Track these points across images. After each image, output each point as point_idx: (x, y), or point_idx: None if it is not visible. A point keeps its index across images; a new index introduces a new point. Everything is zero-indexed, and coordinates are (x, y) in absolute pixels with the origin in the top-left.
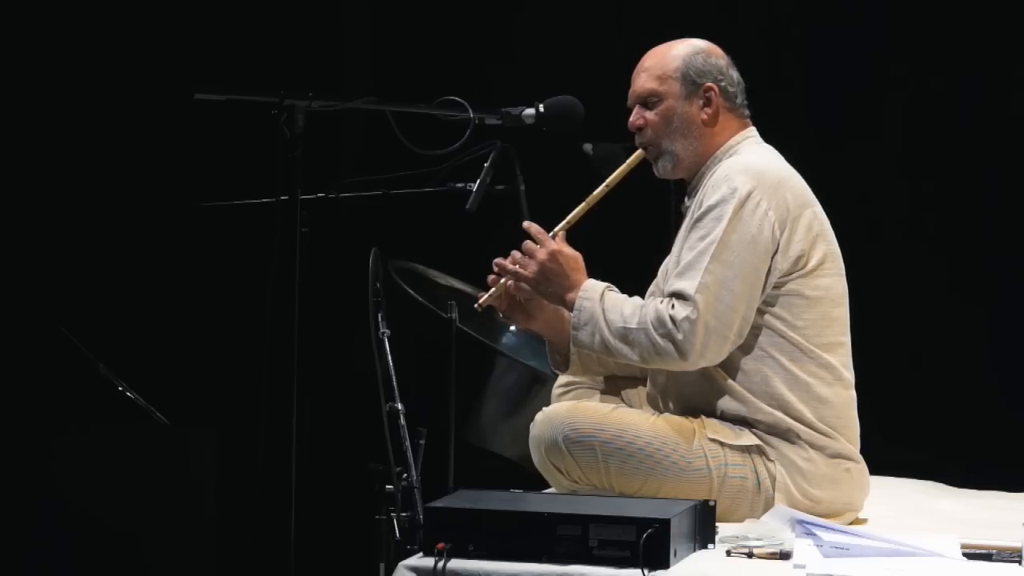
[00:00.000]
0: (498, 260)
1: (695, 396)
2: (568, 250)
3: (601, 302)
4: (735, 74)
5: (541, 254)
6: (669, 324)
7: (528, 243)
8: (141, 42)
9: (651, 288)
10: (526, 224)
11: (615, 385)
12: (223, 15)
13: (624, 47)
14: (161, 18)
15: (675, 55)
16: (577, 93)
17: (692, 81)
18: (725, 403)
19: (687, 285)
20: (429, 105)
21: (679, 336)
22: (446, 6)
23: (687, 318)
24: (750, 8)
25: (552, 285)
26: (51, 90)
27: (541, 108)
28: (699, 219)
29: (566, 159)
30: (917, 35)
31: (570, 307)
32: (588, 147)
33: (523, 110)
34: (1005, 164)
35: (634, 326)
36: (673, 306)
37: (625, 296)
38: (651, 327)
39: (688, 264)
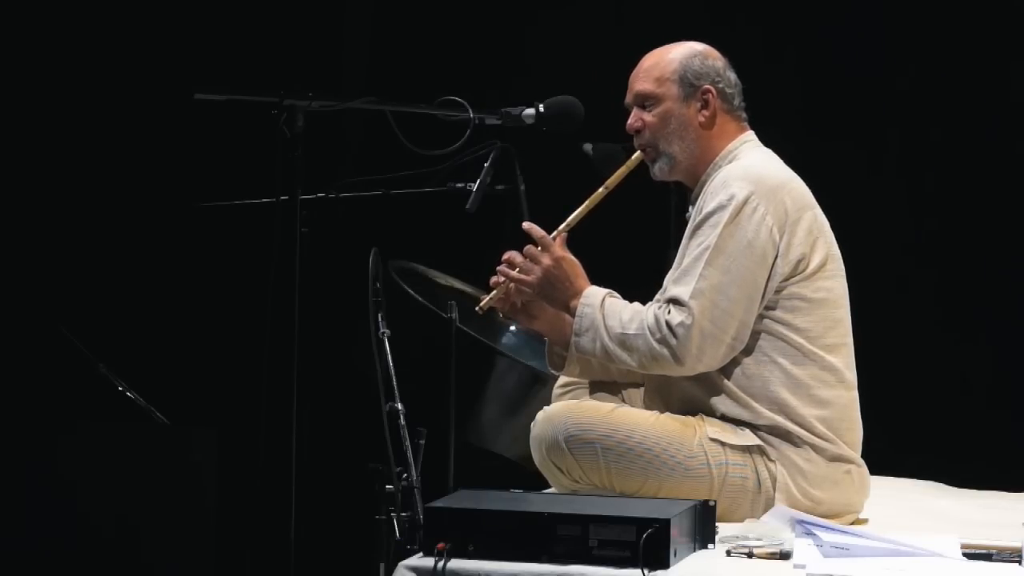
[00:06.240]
0: (502, 268)
1: (695, 400)
2: (570, 256)
3: (602, 308)
4: (732, 76)
5: (546, 260)
6: (665, 330)
7: (530, 248)
8: (141, 42)
9: (656, 296)
10: (527, 226)
11: (616, 386)
12: (223, 15)
13: (624, 47)
14: (161, 18)
15: (672, 57)
16: (577, 93)
17: (689, 83)
18: (725, 407)
19: (683, 291)
20: (429, 105)
21: (674, 341)
22: (446, 6)
23: (682, 323)
24: (748, 9)
25: (556, 291)
26: (52, 90)
27: (541, 108)
28: (698, 226)
29: (566, 159)
30: (918, 36)
31: (572, 313)
32: (588, 147)
33: (523, 110)
34: (1005, 164)
35: (632, 332)
36: (669, 312)
37: (625, 302)
38: (648, 333)
39: (684, 270)
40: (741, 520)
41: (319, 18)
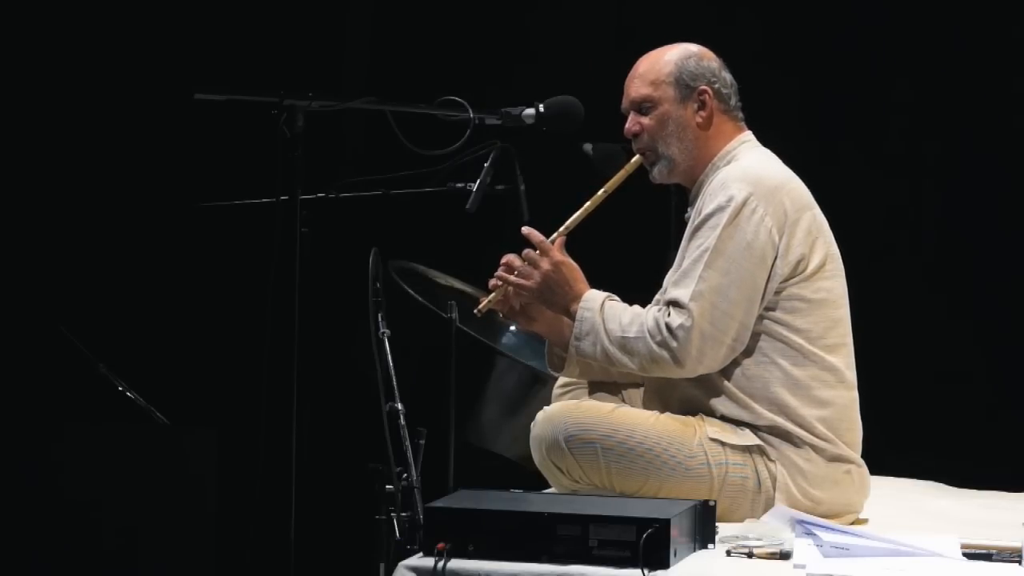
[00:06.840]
0: (500, 272)
1: (694, 401)
2: (569, 260)
3: (601, 312)
4: (728, 76)
5: (545, 264)
6: (664, 332)
7: (529, 252)
8: (141, 42)
9: (656, 297)
10: (526, 230)
11: (616, 386)
12: (223, 15)
13: (624, 47)
14: (161, 18)
15: (668, 60)
16: (577, 93)
17: (686, 85)
18: (725, 408)
19: (682, 293)
20: (429, 105)
21: (674, 344)
22: (447, 7)
23: (681, 325)
24: (749, 10)
25: (555, 295)
26: (52, 90)
27: (541, 108)
28: (697, 228)
29: (566, 159)
30: (919, 36)
31: (572, 317)
32: (588, 147)
33: (523, 110)
34: (1006, 164)
35: (632, 335)
36: (669, 314)
37: (625, 305)
38: (648, 335)
39: (684, 272)
40: (741, 520)
41: (319, 18)
